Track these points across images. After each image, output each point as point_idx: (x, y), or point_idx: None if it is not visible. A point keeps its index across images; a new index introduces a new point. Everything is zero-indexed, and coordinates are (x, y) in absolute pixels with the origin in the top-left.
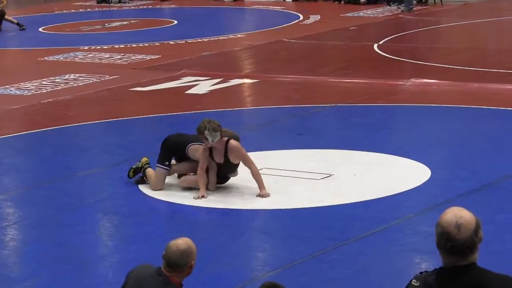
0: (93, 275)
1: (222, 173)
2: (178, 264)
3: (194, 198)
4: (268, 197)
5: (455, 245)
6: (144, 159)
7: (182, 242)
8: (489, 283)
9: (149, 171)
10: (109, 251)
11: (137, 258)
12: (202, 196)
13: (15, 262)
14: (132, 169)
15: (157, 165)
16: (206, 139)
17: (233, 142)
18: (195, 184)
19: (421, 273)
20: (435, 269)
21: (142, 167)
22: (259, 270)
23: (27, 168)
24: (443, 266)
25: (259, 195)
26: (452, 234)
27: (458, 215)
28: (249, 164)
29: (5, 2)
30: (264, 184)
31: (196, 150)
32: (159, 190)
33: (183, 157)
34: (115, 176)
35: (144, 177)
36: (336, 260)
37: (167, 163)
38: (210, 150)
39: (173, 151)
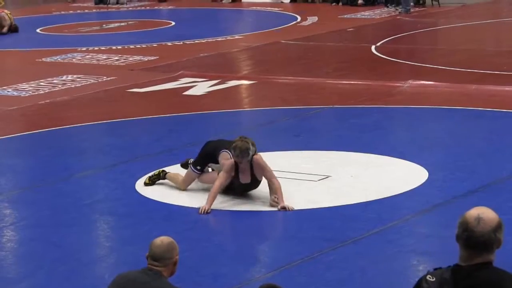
0: (90, 276)
1: (248, 191)
2: (164, 258)
3: (200, 212)
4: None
5: (470, 236)
6: (160, 170)
7: (165, 238)
8: (503, 282)
9: (171, 174)
10: (105, 252)
11: (134, 259)
12: (206, 211)
13: (12, 263)
14: (148, 178)
15: (190, 166)
16: (248, 154)
17: (256, 157)
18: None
19: (435, 269)
20: (449, 266)
21: (159, 174)
22: (256, 271)
23: (24, 169)
24: (459, 263)
25: (282, 208)
26: (470, 225)
27: (481, 211)
28: (273, 179)
29: (3, 3)
30: (269, 189)
31: (224, 158)
32: (183, 190)
33: (217, 162)
34: (112, 177)
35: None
36: (334, 261)
37: (199, 167)
38: (236, 170)
39: (209, 157)
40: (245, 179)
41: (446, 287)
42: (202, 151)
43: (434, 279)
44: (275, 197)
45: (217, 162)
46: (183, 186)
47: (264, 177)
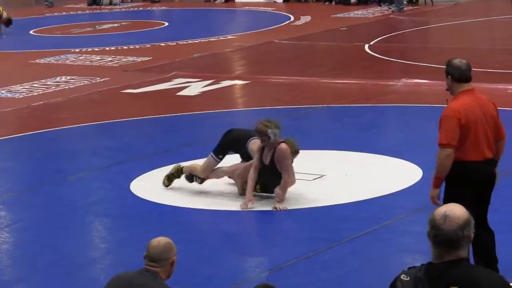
0: (85, 278)
1: (264, 178)
2: (160, 259)
3: (241, 208)
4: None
5: (438, 234)
6: (176, 166)
7: (162, 238)
8: (476, 278)
9: (186, 167)
10: (101, 254)
11: (129, 261)
12: (248, 206)
13: (7, 265)
14: (166, 177)
15: (211, 153)
16: (268, 137)
17: (283, 145)
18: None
19: (409, 268)
20: (423, 265)
21: (175, 173)
22: (251, 271)
23: (18, 171)
24: (432, 261)
25: (273, 208)
26: (437, 223)
27: (449, 208)
28: (285, 174)
29: None
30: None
31: (255, 143)
32: (205, 177)
33: (243, 152)
34: (107, 179)
35: (191, 177)
36: (329, 261)
37: (220, 156)
38: (262, 151)
39: (233, 146)
40: (266, 159)
41: (421, 285)
42: (226, 139)
43: (408, 278)
44: (278, 189)
45: (242, 150)
46: (205, 172)
47: (279, 167)
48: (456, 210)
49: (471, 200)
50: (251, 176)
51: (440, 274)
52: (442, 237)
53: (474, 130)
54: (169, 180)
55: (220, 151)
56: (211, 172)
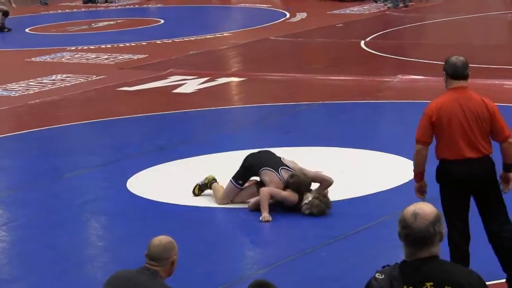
0: (83, 276)
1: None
2: (161, 258)
3: (262, 220)
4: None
5: (409, 234)
6: (210, 176)
7: (163, 237)
8: (449, 274)
9: (216, 186)
10: (98, 251)
11: (127, 258)
12: (267, 220)
13: (4, 263)
14: (197, 186)
15: (231, 179)
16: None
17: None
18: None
19: (383, 267)
20: (396, 263)
21: (208, 183)
22: (248, 269)
23: (15, 169)
24: (405, 259)
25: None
26: (408, 222)
27: (418, 206)
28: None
29: None
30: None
31: (267, 175)
32: (224, 204)
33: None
34: (104, 177)
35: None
36: (325, 257)
37: (240, 182)
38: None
39: (250, 171)
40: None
41: (396, 283)
42: (244, 164)
43: (383, 276)
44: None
45: (254, 174)
46: (222, 201)
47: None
48: (425, 208)
49: (464, 199)
50: (266, 202)
51: (414, 271)
52: (414, 235)
53: (448, 128)
54: (200, 189)
55: (240, 177)
56: (229, 200)
